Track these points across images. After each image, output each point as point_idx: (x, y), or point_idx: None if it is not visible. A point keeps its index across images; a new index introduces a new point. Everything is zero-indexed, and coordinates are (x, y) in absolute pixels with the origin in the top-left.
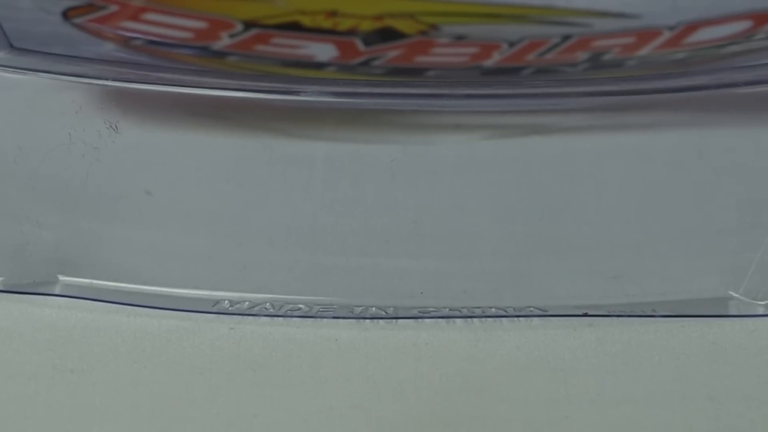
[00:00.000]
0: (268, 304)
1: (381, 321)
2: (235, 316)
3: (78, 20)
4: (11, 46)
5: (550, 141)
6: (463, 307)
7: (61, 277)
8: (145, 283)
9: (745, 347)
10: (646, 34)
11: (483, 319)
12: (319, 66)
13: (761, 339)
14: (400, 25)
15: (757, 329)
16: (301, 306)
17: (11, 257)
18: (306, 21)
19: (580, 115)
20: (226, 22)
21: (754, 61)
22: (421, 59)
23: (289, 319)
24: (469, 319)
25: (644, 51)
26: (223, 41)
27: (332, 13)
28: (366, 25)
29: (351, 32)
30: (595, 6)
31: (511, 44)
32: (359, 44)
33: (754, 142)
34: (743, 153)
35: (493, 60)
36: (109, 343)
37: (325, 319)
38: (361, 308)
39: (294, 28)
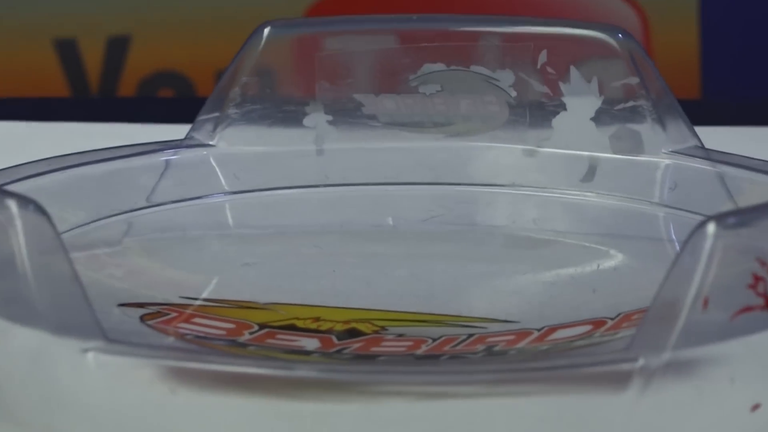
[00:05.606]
0: None
1: None
2: None
3: (150, 322)
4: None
5: (459, 402)
6: None
7: None
8: None
9: None
10: (522, 333)
11: None
12: (308, 353)
13: None
14: (362, 327)
15: None
16: None
17: None
18: (299, 324)
19: (479, 386)
20: (247, 324)
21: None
22: (375, 349)
23: None
24: None
25: (521, 344)
26: (245, 336)
27: (317, 319)
28: (339, 327)
29: (328, 331)
30: (488, 315)
31: (434, 340)
32: (334, 339)
33: None
34: None
35: (422, 350)
36: None
37: None
38: None
39: (291, 328)
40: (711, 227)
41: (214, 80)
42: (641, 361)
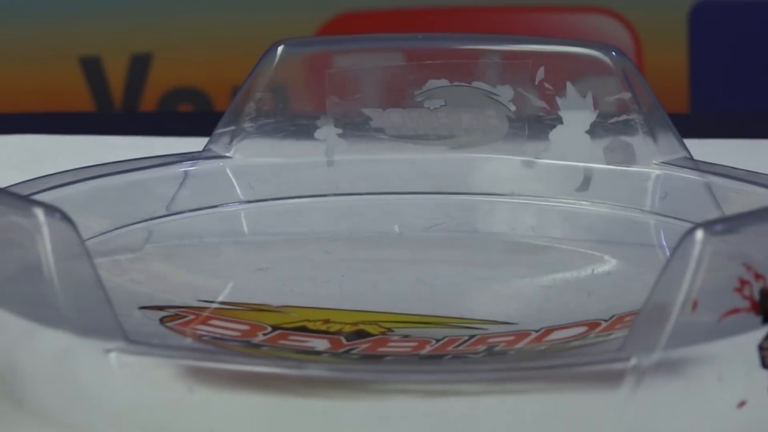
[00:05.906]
0: None
1: None
2: None
3: (169, 324)
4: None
5: (461, 400)
6: None
7: None
8: None
9: None
10: (521, 334)
11: None
12: (318, 353)
13: None
14: (369, 328)
15: None
16: None
17: None
18: (310, 325)
19: (480, 384)
20: (260, 326)
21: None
22: (382, 349)
23: None
24: None
25: (520, 345)
26: (259, 337)
27: (326, 321)
28: (347, 328)
29: (338, 333)
30: (489, 317)
31: (437, 340)
32: (343, 340)
33: None
34: None
35: (426, 350)
36: None
37: None
38: None
39: (302, 330)
40: (699, 234)
41: (231, 96)
42: (633, 361)
